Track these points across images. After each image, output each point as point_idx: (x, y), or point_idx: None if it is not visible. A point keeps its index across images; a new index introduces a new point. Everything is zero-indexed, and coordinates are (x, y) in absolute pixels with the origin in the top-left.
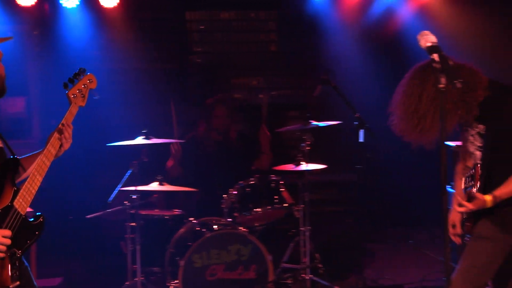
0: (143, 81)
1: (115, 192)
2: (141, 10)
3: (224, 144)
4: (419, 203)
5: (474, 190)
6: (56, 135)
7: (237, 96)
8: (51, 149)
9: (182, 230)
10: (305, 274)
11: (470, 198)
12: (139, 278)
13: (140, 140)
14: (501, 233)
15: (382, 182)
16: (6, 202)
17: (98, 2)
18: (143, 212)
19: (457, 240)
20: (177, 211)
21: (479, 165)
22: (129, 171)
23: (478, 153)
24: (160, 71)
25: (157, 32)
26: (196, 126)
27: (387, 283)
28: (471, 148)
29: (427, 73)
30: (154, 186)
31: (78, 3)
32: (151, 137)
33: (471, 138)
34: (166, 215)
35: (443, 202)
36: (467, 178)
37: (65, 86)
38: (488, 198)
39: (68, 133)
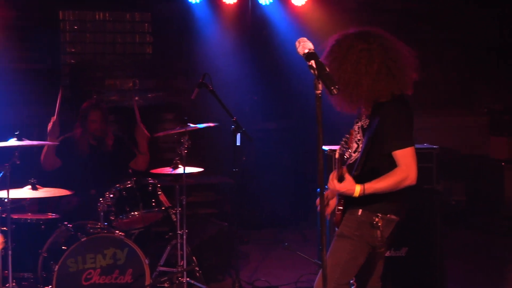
0: (14, 81)
1: None
2: (11, 8)
3: (98, 148)
4: (291, 205)
5: (348, 154)
6: None
7: (112, 98)
8: None
9: (56, 234)
10: (182, 277)
11: (341, 178)
12: (10, 285)
13: (12, 142)
14: (357, 231)
15: (257, 184)
16: None
17: None
18: (15, 216)
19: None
20: (51, 215)
21: (352, 130)
22: (1, 174)
23: (354, 145)
24: (32, 71)
25: (28, 31)
26: (73, 128)
27: (262, 285)
28: (353, 140)
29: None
30: (27, 190)
31: None
32: (23, 138)
33: (356, 128)
34: (40, 219)
35: (321, 205)
36: (342, 143)
37: None
38: (357, 187)
39: None
